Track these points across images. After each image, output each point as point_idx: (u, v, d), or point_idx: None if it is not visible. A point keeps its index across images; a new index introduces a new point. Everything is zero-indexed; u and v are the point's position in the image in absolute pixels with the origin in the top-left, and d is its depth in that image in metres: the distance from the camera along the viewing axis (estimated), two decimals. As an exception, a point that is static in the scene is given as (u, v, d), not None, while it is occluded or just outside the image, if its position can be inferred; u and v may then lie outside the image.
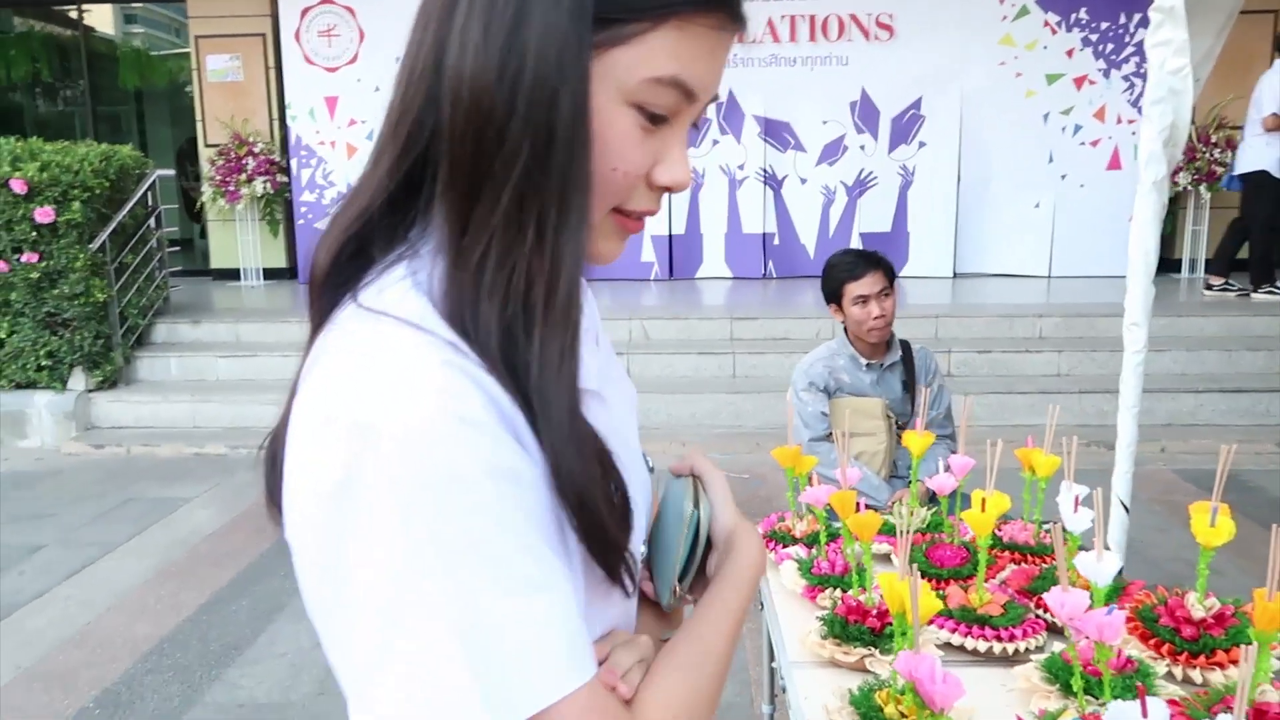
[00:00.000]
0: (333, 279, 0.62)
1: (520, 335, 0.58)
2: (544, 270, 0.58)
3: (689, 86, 0.60)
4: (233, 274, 8.26)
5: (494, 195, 0.58)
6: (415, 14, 0.63)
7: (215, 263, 8.54)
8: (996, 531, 1.71)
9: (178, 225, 7.17)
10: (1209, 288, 6.83)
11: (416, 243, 0.62)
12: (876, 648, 1.32)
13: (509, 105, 0.57)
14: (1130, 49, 7.65)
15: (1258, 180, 6.41)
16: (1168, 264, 7.89)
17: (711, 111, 7.65)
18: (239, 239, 8.10)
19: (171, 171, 7.04)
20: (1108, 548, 1.26)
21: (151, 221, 6.42)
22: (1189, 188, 7.37)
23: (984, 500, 1.36)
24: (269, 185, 7.87)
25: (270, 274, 8.31)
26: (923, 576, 1.54)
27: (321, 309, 0.63)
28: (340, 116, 8.01)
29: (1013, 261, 7.90)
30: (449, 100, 0.58)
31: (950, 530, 1.66)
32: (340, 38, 7.94)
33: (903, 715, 1.12)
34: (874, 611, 1.35)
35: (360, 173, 0.65)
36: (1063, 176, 7.77)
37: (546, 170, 0.57)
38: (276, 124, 8.28)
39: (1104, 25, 7.64)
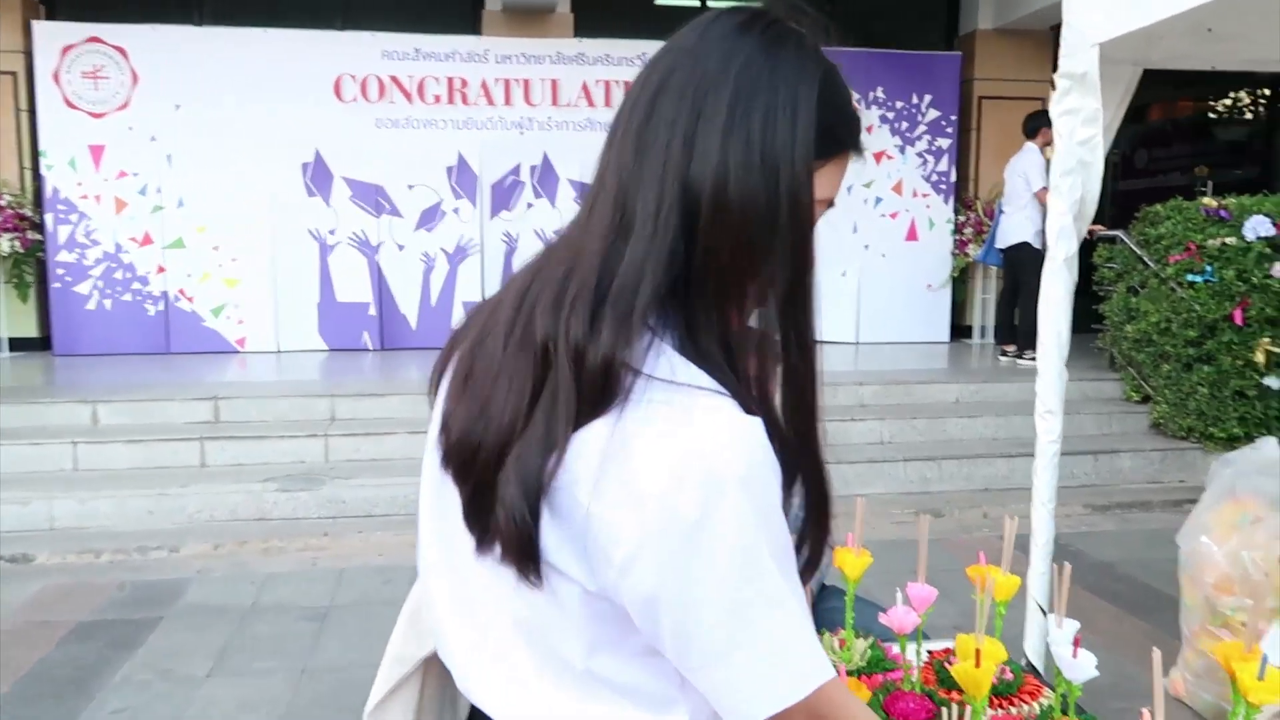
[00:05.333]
0: (628, 361, 0.74)
1: (792, 395, 0.81)
2: (805, 345, 0.80)
3: (833, 203, 0.84)
4: (-32, 345, 7.11)
5: (758, 289, 0.79)
6: (638, 105, 0.78)
7: (-54, 332, 7.33)
8: (946, 664, 1.46)
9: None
10: (1004, 354, 7.18)
11: (658, 328, 0.76)
12: None
13: (772, 225, 0.76)
14: (922, 127, 8.08)
15: (1020, 252, 6.83)
16: (961, 330, 8.31)
17: (526, 175, 7.51)
18: (-24, 304, 7.00)
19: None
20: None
21: None
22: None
23: (977, 651, 1.10)
24: (18, 243, 6.86)
25: (18, 344, 7.22)
26: (884, 737, 1.25)
27: (601, 382, 0.73)
28: (107, 168, 7.13)
29: (824, 328, 8.05)
30: (713, 214, 0.75)
31: (906, 671, 1.38)
32: (109, 80, 7.10)
33: None
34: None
35: (594, 258, 0.76)
36: (866, 246, 8.04)
37: (799, 270, 0.78)
38: (29, 174, 7.27)
39: (899, 104, 8.04)
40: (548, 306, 0.76)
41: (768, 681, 0.73)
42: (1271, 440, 2.90)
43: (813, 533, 0.83)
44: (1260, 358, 5.22)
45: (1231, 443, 5.24)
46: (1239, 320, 5.24)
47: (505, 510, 0.74)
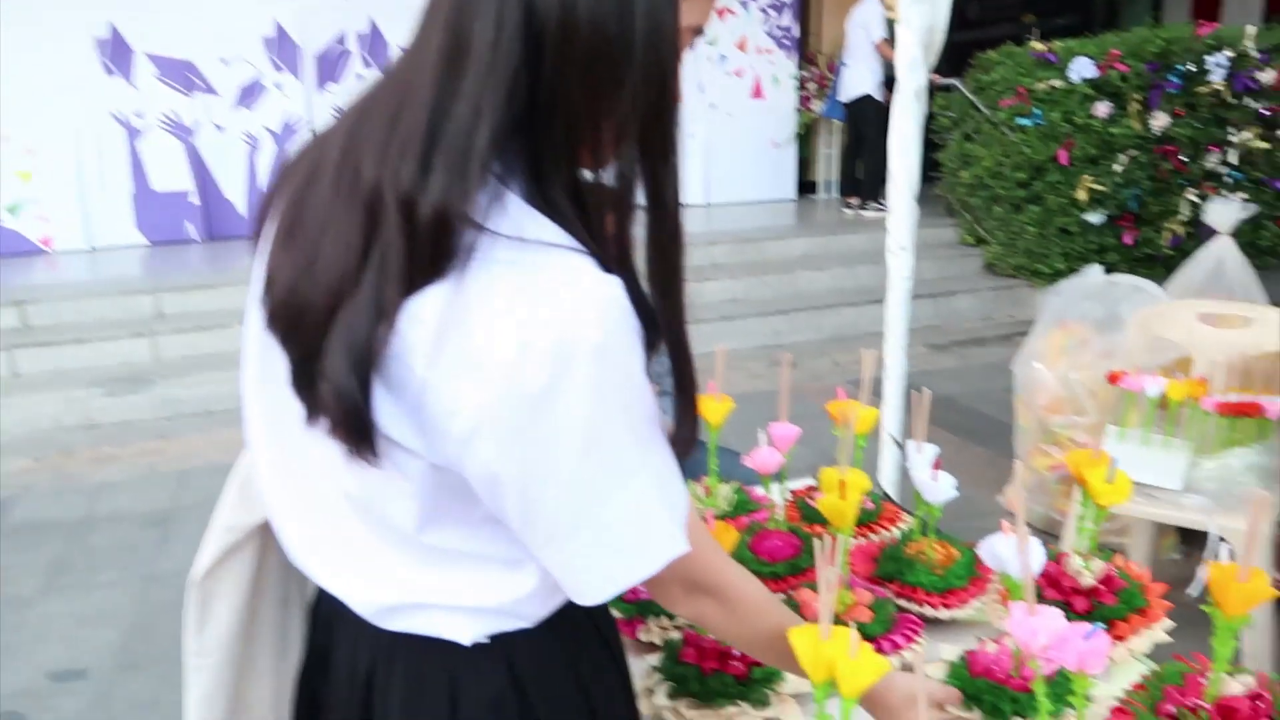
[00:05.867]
0: (466, 214, 0.64)
1: (656, 256, 0.73)
2: (665, 194, 0.71)
3: (703, 30, 0.82)
4: None
5: (614, 130, 0.69)
6: None
7: None
8: (808, 500, 1.47)
9: None
10: (848, 207, 7.34)
11: (503, 176, 0.67)
12: (746, 700, 1.01)
13: (627, 51, 0.66)
14: (763, -21, 7.92)
15: (863, 105, 6.91)
16: (807, 187, 8.42)
17: (353, 44, 6.97)
18: None
19: None
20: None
21: None
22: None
23: (842, 483, 1.08)
24: None
25: None
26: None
27: (435, 238, 0.64)
28: None
29: (674, 191, 7.99)
30: (560, 39, 0.64)
31: (771, 510, 1.38)
32: None
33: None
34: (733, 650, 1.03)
35: (425, 93, 0.66)
36: (712, 106, 7.94)
37: (660, 107, 0.69)
38: None
39: (739, -44, 7.82)
40: (375, 150, 0.66)
41: (612, 561, 0.70)
42: (1096, 268, 3.06)
43: (680, 402, 0.77)
44: (1082, 195, 5.49)
45: (1056, 277, 5.55)
46: (1064, 160, 5.47)
47: (331, 384, 0.66)
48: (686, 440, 0.77)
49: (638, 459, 0.69)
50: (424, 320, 0.64)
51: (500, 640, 0.78)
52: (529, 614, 0.78)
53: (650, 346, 0.71)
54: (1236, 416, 2.24)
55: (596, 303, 0.65)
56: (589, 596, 0.72)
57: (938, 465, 1.16)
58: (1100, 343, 2.84)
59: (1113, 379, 2.34)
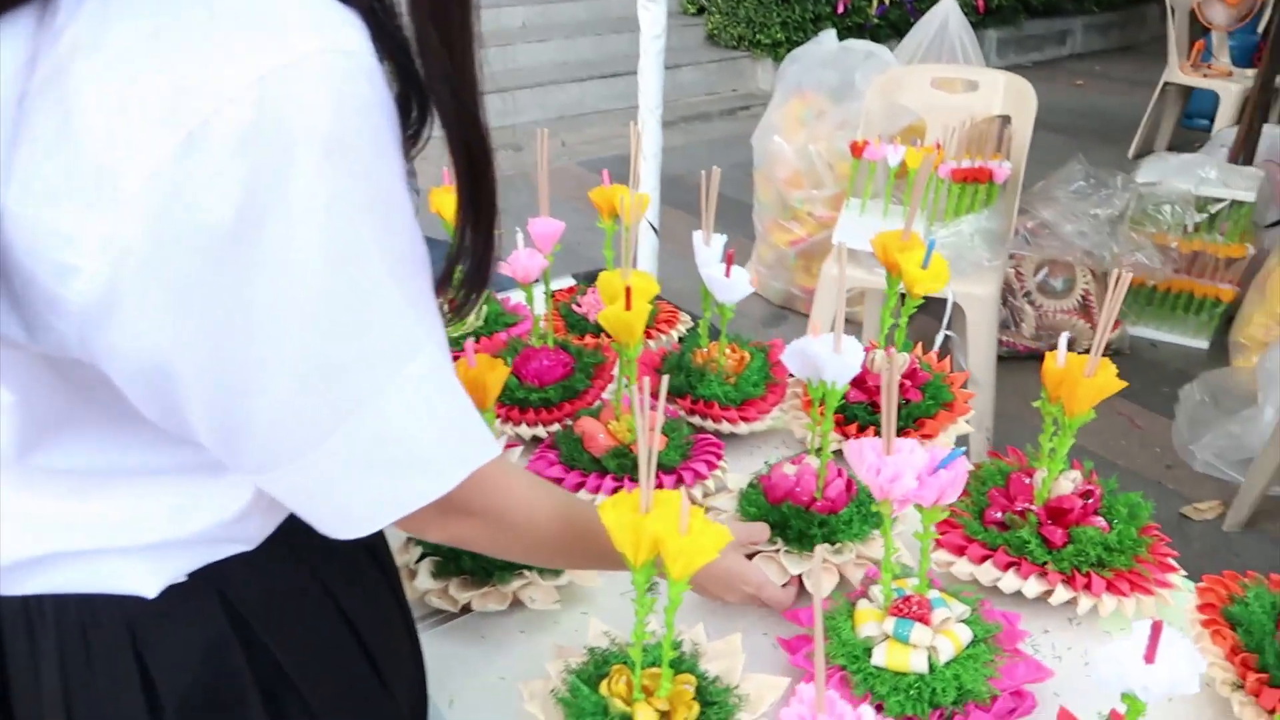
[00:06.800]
0: None
1: None
2: None
3: None
4: None
5: None
6: None
7: None
8: (573, 307, 1.27)
9: None
10: (564, -29, 6.82)
11: None
12: (533, 568, 0.82)
13: None
14: None
15: None
16: (518, -51, 7.74)
17: None
18: None
19: None
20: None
21: None
22: None
23: (628, 290, 0.88)
24: None
25: None
26: (518, 408, 1.04)
27: None
28: None
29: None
30: None
31: (535, 323, 1.16)
32: None
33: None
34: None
35: None
36: None
37: None
38: None
39: None
40: None
41: (382, 483, 0.47)
42: (830, 33, 2.95)
43: (477, 222, 0.50)
44: (800, -41, 5.38)
45: (776, 49, 5.52)
46: (783, -80, 5.30)
47: None
48: (481, 281, 0.52)
49: (409, 325, 0.44)
50: None
51: (207, 574, 0.53)
52: (246, 535, 0.53)
53: (415, 137, 0.44)
54: (968, 183, 2.26)
55: (324, 59, 0.38)
56: (346, 530, 0.48)
57: (730, 258, 0.98)
58: (837, 113, 2.78)
59: (855, 150, 2.28)
